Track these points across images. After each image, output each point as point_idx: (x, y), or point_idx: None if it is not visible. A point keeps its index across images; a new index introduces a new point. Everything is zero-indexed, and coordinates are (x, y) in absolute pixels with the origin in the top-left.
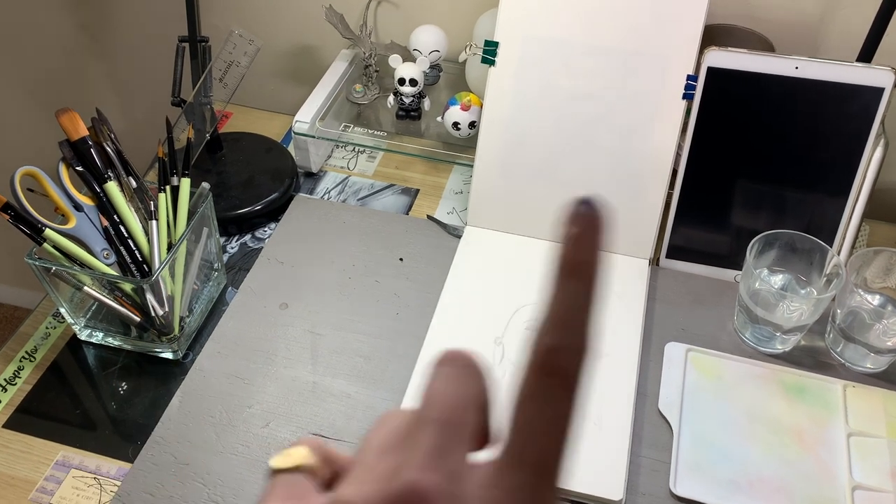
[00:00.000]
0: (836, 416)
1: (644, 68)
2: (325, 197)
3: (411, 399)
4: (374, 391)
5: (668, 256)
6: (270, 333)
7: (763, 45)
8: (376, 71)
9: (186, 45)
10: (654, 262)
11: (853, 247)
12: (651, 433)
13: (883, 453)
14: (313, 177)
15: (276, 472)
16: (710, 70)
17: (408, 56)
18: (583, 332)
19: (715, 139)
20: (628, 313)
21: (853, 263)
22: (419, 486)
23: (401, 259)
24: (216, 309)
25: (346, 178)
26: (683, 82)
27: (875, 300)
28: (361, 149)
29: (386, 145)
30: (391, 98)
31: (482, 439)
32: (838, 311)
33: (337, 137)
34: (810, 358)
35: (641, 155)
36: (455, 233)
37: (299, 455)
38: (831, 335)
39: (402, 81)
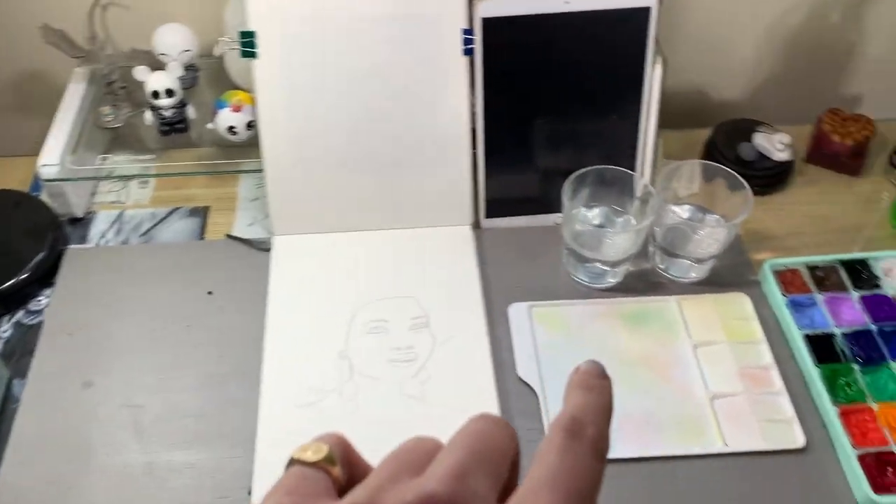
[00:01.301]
0: (678, 332)
1: (418, 31)
2: (102, 242)
3: (264, 449)
4: (218, 452)
5: (488, 216)
6: (80, 421)
7: None
8: (122, 87)
9: None
10: (476, 225)
11: (655, 164)
12: (518, 403)
13: (727, 357)
14: (80, 222)
15: (295, 462)
16: (485, 21)
17: (155, 63)
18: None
19: (505, 89)
20: (465, 285)
21: (660, 180)
22: (436, 496)
23: (210, 292)
24: (5, 409)
25: (120, 213)
26: (461, 38)
27: (686, 212)
28: (129, 178)
29: (156, 168)
30: (148, 114)
31: (504, 493)
32: (657, 230)
33: (95, 173)
34: (642, 282)
35: (437, 120)
36: (263, 247)
37: (320, 451)
38: (655, 255)
39: (156, 94)
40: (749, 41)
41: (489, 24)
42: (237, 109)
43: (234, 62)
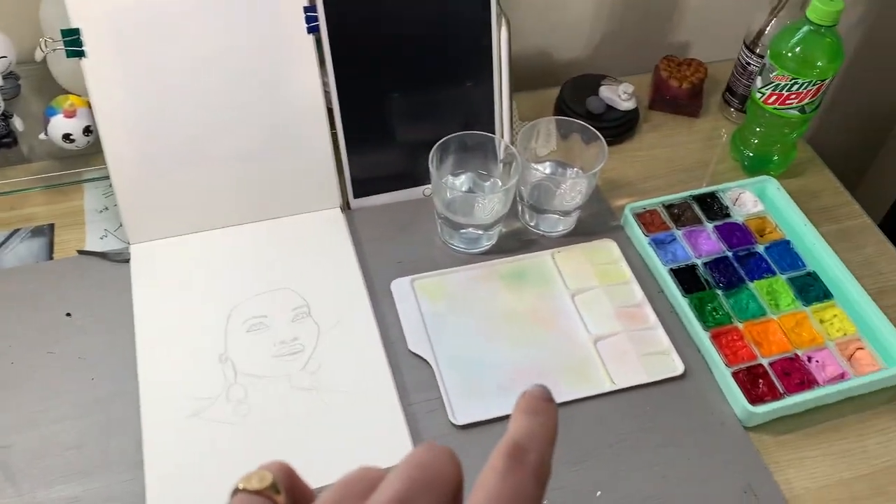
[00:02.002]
0: (555, 284)
1: (257, 14)
2: None
3: (154, 468)
4: (105, 479)
5: (356, 196)
6: None
7: None
8: None
9: None
10: (346, 206)
11: (512, 126)
12: (413, 377)
13: (603, 300)
14: None
15: (239, 492)
16: None
17: None
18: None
19: (356, 64)
20: (343, 268)
21: (520, 142)
22: None
23: (68, 314)
24: None
25: None
26: (303, 17)
27: (548, 168)
28: None
29: None
30: None
31: None
32: (522, 189)
33: None
34: (515, 241)
35: (290, 104)
36: (120, 258)
37: (264, 479)
38: (525, 214)
39: None
40: (582, 0)
41: None
42: (71, 115)
43: (59, 64)
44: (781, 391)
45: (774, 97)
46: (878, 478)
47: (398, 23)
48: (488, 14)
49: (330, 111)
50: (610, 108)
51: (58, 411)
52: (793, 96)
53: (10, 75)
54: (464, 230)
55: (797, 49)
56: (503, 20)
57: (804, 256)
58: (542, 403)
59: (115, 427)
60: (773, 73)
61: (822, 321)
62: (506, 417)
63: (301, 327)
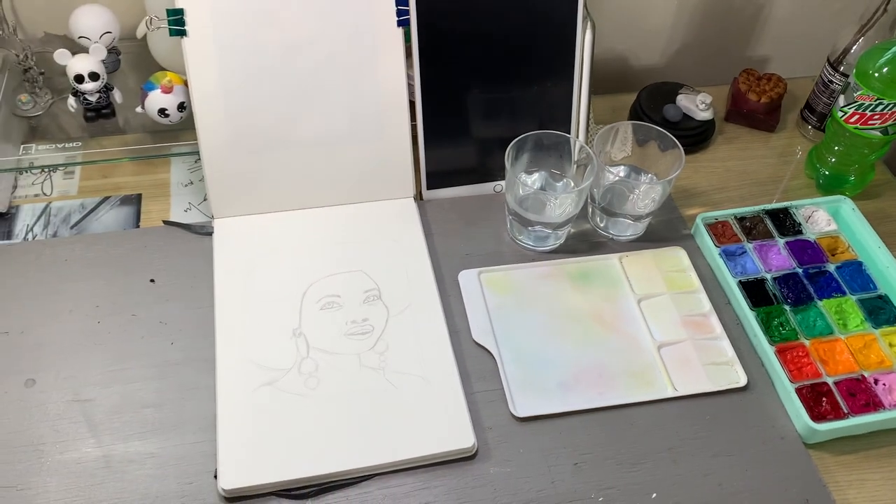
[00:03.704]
0: (622, 288)
1: (350, 3)
2: (29, 237)
3: (226, 432)
4: (179, 439)
5: (429, 188)
6: (25, 420)
7: None
8: (41, 73)
9: None
10: (419, 196)
11: (588, 129)
12: (476, 367)
13: (669, 307)
14: (3, 218)
15: None
16: None
17: (75, 47)
18: None
19: (441, 59)
20: (414, 257)
21: (596, 145)
22: None
23: (152, 280)
24: None
25: (47, 206)
26: (394, 10)
27: (622, 172)
28: (53, 168)
29: (82, 156)
30: (71, 100)
31: None
32: (595, 191)
33: (16, 164)
34: (584, 243)
35: (374, 94)
36: (204, 231)
37: None
38: (595, 216)
39: (79, 79)
40: (666, 7)
41: None
42: (168, 90)
43: (159, 43)
44: (846, 411)
45: (857, 116)
46: None
47: (485, 20)
48: (575, 15)
49: (412, 103)
50: (686, 117)
51: (138, 371)
52: (876, 117)
53: (112, 50)
54: (533, 228)
55: (885, 69)
56: (588, 22)
57: (876, 279)
58: None
59: (190, 390)
60: (858, 93)
61: (891, 345)
62: (565, 414)
63: (372, 309)
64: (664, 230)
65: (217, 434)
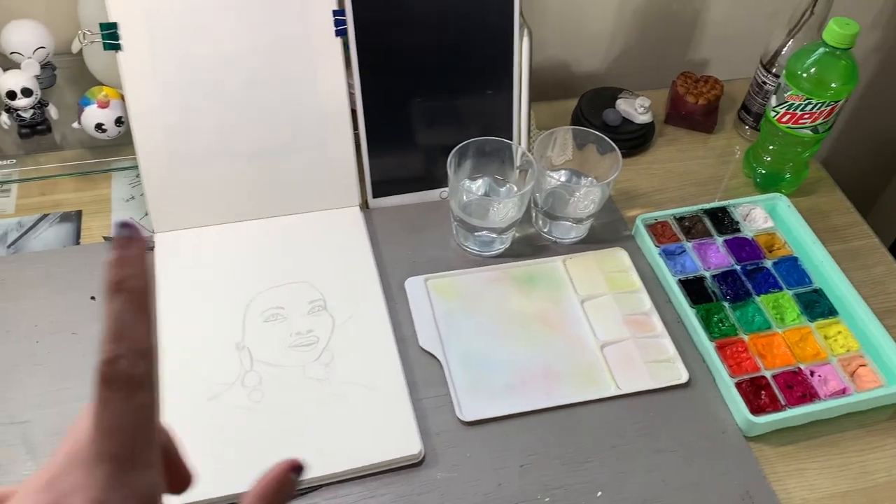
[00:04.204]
0: (566, 290)
1: (286, 14)
2: None
3: None
4: None
5: (375, 196)
6: None
7: None
8: None
9: None
10: (364, 205)
11: (529, 134)
12: (423, 373)
13: (612, 307)
14: None
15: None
16: (355, 1)
17: (7, 62)
18: (138, 339)
19: (381, 68)
20: (359, 265)
21: (537, 150)
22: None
23: (93, 298)
24: None
25: None
26: (332, 20)
27: (563, 176)
28: None
29: (18, 174)
30: (4, 116)
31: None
32: (537, 196)
33: None
34: (529, 247)
35: (315, 103)
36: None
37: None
38: (538, 220)
39: (11, 95)
40: (605, 14)
41: (359, 4)
42: (104, 105)
43: (95, 57)
44: (783, 403)
45: (788, 116)
46: (875, 493)
47: (424, 29)
48: (511, 24)
49: (353, 112)
50: (626, 120)
51: (79, 391)
52: (806, 116)
53: (47, 65)
54: (478, 233)
55: (812, 70)
56: (525, 30)
57: (811, 273)
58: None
59: None
60: (788, 93)
61: (826, 337)
62: (512, 416)
63: (316, 320)
64: (606, 232)
65: None
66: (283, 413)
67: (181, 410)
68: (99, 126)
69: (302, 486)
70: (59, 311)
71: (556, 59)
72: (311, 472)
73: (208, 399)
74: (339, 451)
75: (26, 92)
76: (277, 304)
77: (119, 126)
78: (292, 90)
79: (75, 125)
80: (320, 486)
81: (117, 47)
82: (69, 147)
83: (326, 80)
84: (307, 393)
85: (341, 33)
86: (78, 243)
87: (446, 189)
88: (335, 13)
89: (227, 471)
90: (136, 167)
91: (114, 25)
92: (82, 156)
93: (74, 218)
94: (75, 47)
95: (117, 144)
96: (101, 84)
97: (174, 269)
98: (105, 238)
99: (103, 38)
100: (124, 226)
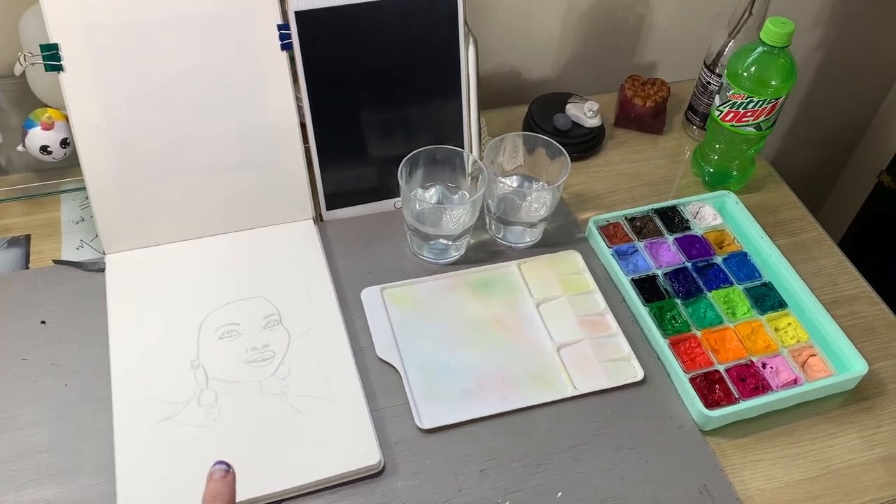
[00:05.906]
0: (521, 293)
1: (232, 29)
2: None
3: (125, 471)
4: (76, 482)
5: (328, 208)
6: None
7: None
8: None
9: None
10: (318, 218)
11: (480, 141)
12: (381, 383)
13: (566, 309)
14: None
15: None
16: (298, 14)
17: None
18: None
19: (328, 81)
20: (314, 278)
21: (487, 156)
22: None
23: (43, 322)
24: None
25: None
26: (276, 34)
27: (514, 182)
28: None
29: None
30: None
31: None
32: (490, 202)
33: None
34: (484, 253)
35: (264, 118)
36: (95, 267)
37: None
38: (492, 225)
39: None
40: (553, 21)
41: (303, 17)
42: (48, 127)
43: (38, 78)
44: (737, 396)
45: (732, 114)
46: (829, 479)
47: (368, 41)
48: (456, 33)
49: (303, 125)
50: (576, 125)
51: (30, 416)
52: (749, 114)
53: None
54: (433, 241)
55: (752, 69)
56: (471, 39)
57: (760, 267)
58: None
59: (87, 432)
60: (730, 92)
61: (776, 329)
62: (470, 422)
63: (272, 335)
64: (560, 235)
65: (115, 473)
66: (240, 429)
67: (135, 432)
68: (44, 148)
69: (262, 503)
70: (7, 338)
71: (506, 67)
72: (272, 487)
73: (164, 419)
74: (298, 465)
75: None
76: (232, 321)
77: (65, 148)
78: (241, 105)
79: (20, 148)
80: (281, 501)
81: (59, 68)
82: (15, 171)
83: (275, 95)
84: (264, 408)
85: (287, 47)
86: (27, 267)
87: (400, 199)
88: (280, 27)
89: (185, 490)
90: (83, 189)
91: (54, 46)
92: (29, 179)
93: (23, 242)
94: (17, 70)
95: (65, 166)
96: (45, 106)
97: (126, 290)
98: (55, 261)
99: (44, 60)
100: (221, 462)
